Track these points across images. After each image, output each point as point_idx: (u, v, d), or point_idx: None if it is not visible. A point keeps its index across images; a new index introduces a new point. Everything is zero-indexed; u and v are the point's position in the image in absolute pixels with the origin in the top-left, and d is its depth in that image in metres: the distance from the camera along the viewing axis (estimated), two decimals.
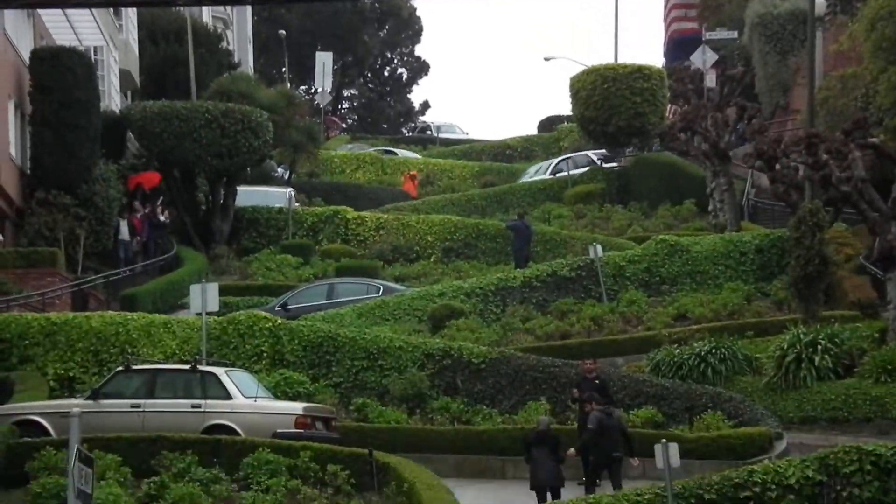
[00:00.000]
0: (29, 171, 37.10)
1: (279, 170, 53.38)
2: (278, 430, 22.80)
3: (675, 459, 16.83)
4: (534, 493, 20.41)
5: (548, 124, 72.09)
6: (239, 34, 69.78)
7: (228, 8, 64.46)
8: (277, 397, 25.15)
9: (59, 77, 36.67)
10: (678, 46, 66.87)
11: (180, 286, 34.67)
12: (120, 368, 24.48)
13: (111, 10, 45.22)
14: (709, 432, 24.66)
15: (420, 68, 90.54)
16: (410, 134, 77.86)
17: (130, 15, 49.28)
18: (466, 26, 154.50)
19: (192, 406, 23.45)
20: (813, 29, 35.62)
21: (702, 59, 53.64)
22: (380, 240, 42.69)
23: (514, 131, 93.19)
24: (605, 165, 50.44)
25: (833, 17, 44.75)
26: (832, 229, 33.58)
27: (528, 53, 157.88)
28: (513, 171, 56.56)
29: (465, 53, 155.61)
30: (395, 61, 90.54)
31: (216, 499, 19.75)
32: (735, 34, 56.33)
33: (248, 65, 68.47)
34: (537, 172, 52.61)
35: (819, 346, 27.23)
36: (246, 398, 23.70)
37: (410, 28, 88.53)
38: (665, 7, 75.26)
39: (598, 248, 35.12)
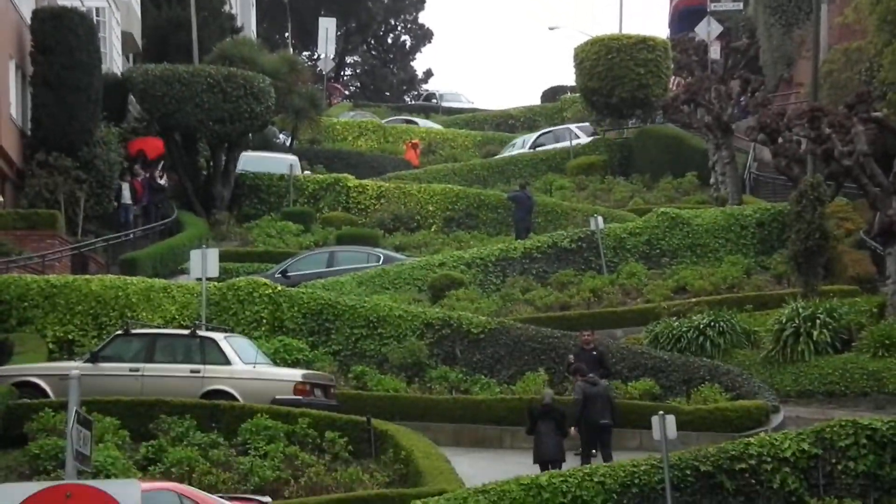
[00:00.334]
0: (30, 133, 37.11)
1: (281, 136, 53.35)
2: (277, 397, 22.94)
3: (672, 431, 16.94)
4: (536, 465, 20.51)
5: (551, 94, 71.89)
6: None
7: None
8: (276, 364, 25.21)
9: (60, 38, 36.58)
10: (683, 17, 66.60)
11: (180, 251, 34.75)
12: (119, 332, 24.58)
13: None
14: (706, 405, 24.76)
15: (423, 36, 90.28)
16: (413, 102, 77.71)
17: None
18: None
19: (191, 371, 23.58)
20: (818, 1, 35.60)
21: (706, 30, 53.48)
22: (381, 208, 42.69)
23: (518, 101, 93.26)
24: (588, 139, 50.34)
25: None
26: (833, 204, 33.65)
27: (532, 23, 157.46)
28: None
29: (468, 22, 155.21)
30: (399, 28, 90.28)
31: (214, 463, 19.90)
32: (740, 5, 56.20)
33: (251, 29, 68.27)
34: (516, 146, 52.36)
35: (817, 321, 27.29)
36: (245, 364, 23.80)
37: None
38: None
39: (600, 219, 35.18)
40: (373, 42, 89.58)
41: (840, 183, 33.76)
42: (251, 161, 44.43)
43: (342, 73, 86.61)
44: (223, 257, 29.92)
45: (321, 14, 71.13)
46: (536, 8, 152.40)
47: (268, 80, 43.49)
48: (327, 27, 65.75)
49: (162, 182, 40.46)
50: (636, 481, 16.48)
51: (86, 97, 37.09)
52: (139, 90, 42.10)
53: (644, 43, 49.56)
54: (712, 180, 42.60)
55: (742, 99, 43.46)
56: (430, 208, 42.33)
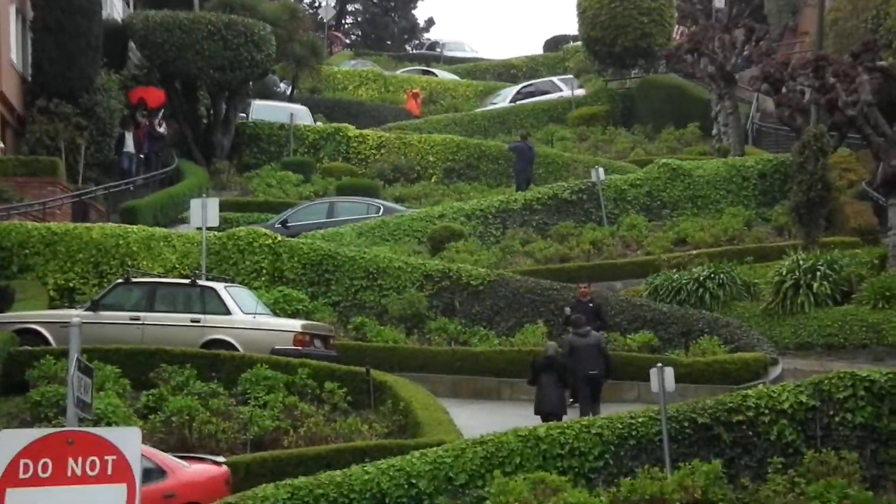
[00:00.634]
0: (30, 79, 37.08)
1: (281, 85, 53.29)
2: (276, 347, 23.03)
3: (670, 384, 17.06)
4: (537, 416, 20.64)
5: (553, 44, 71.68)
6: None
7: None
8: (276, 314, 25.32)
9: None
10: None
11: (181, 200, 34.84)
12: (120, 281, 24.68)
13: None
14: (704, 357, 24.92)
15: None
16: (416, 51, 77.39)
17: None
18: None
19: (192, 320, 23.67)
20: None
21: None
22: (381, 159, 42.74)
23: (520, 51, 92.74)
24: (570, 92, 50.19)
25: None
26: (836, 154, 33.65)
27: None
28: None
29: None
30: None
31: (214, 412, 20.04)
32: None
33: None
34: (498, 99, 52.13)
35: (818, 273, 27.38)
36: (245, 314, 23.90)
37: None
38: None
39: (601, 171, 35.23)
40: None
41: (844, 133, 33.79)
42: (263, 110, 44.43)
43: (343, 22, 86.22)
44: (223, 207, 29.99)
45: None
46: None
47: (268, 27, 43.42)
48: None
49: (161, 130, 40.49)
50: (634, 433, 16.57)
51: (86, 43, 36.99)
52: (139, 37, 42.02)
53: None
54: (714, 131, 42.61)
55: (746, 48, 43.33)
56: (431, 159, 42.37)
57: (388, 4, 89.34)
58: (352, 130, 44.30)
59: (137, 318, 23.67)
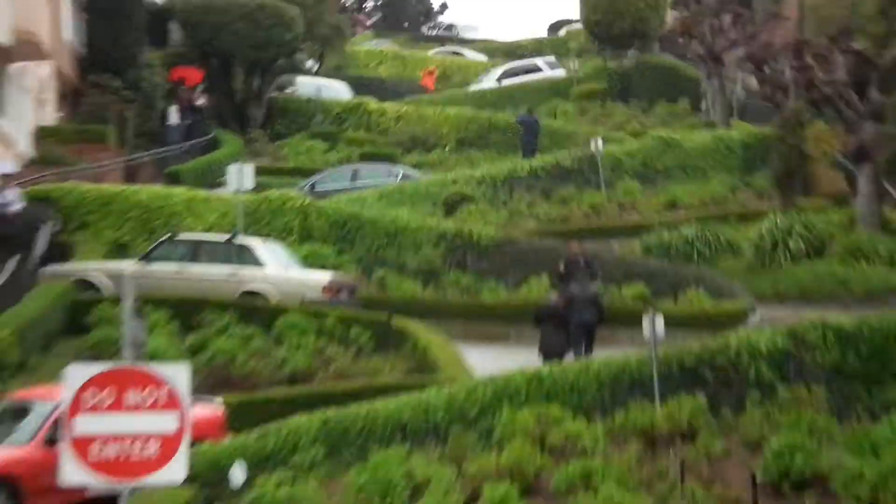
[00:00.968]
0: (84, 56, 37.46)
1: (308, 63, 53.48)
2: (307, 297, 23.29)
3: (661, 329, 17.22)
4: (540, 355, 20.89)
5: (557, 27, 71.67)
6: None
7: None
8: (306, 268, 25.45)
9: None
10: None
11: (219, 165, 35.07)
12: (166, 237, 24.98)
13: None
14: (691, 307, 25.03)
15: None
16: (432, 33, 77.33)
17: None
18: None
19: (230, 273, 23.96)
20: None
21: None
22: (399, 129, 42.85)
23: (527, 33, 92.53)
24: (551, 71, 50.31)
25: None
26: (812, 128, 33.83)
27: None
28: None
29: None
30: None
31: (253, 353, 20.38)
32: None
33: None
34: (485, 79, 52.13)
35: (793, 232, 27.43)
36: (278, 268, 24.26)
37: None
38: None
39: (600, 141, 35.35)
40: None
41: (820, 109, 33.92)
42: (307, 85, 44.76)
43: (364, 5, 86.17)
44: (257, 172, 30.09)
45: None
46: None
47: (297, 10, 43.56)
48: None
49: (201, 103, 40.82)
50: (628, 372, 16.66)
51: (131, 24, 37.38)
52: (180, 18, 42.30)
53: None
54: (703, 106, 42.80)
55: (733, 31, 43.41)
56: (445, 130, 42.47)
57: None
58: (373, 104, 44.45)
59: (182, 271, 24.02)
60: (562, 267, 24.22)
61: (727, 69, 43.13)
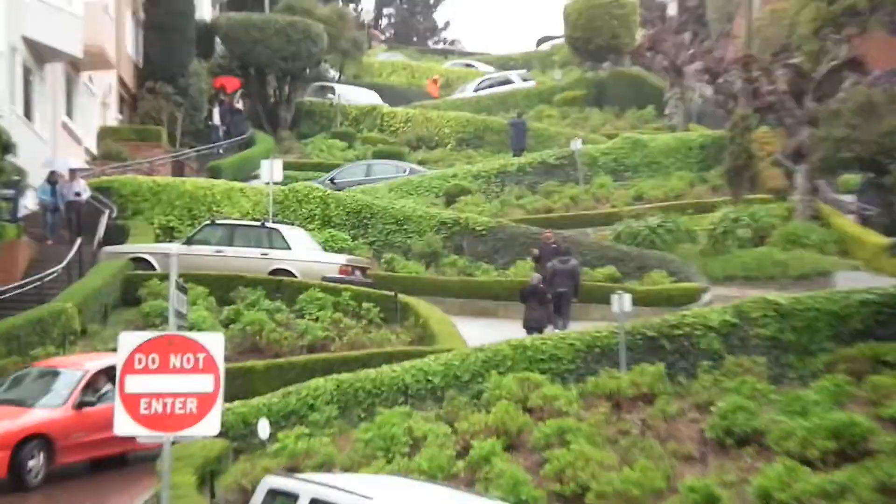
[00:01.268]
0: (141, 66, 37.34)
1: (330, 72, 53.29)
2: (326, 276, 23.24)
3: (628, 306, 17.18)
4: (524, 329, 20.88)
5: (543, 41, 71.33)
6: None
7: None
8: (326, 250, 25.51)
9: None
10: None
11: (253, 160, 35.01)
12: (207, 222, 24.89)
13: None
14: (654, 286, 25.08)
15: None
16: (437, 46, 76.98)
17: None
18: None
19: (261, 254, 23.93)
20: None
21: None
22: (407, 130, 42.76)
23: (517, 47, 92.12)
24: (523, 83, 49.97)
25: None
26: (758, 131, 33.76)
27: None
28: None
29: None
30: None
31: (278, 324, 20.32)
32: None
33: None
34: (464, 90, 51.78)
35: (741, 222, 27.57)
36: (302, 249, 24.21)
37: None
38: None
39: (579, 142, 35.30)
40: None
41: (764, 115, 33.80)
42: (348, 92, 44.73)
43: (379, 22, 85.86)
44: (286, 166, 30.11)
45: None
46: None
47: (321, 26, 43.43)
48: None
49: (239, 107, 40.71)
50: (598, 343, 16.64)
51: (182, 38, 37.27)
52: (223, 33, 42.13)
53: (617, 1, 49.23)
54: (666, 111, 42.61)
55: (692, 47, 43.22)
56: (446, 131, 42.37)
57: (414, 8, 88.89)
58: (385, 108, 44.31)
59: (220, 251, 23.88)
60: (536, 252, 24.20)
61: (687, 80, 43.01)
